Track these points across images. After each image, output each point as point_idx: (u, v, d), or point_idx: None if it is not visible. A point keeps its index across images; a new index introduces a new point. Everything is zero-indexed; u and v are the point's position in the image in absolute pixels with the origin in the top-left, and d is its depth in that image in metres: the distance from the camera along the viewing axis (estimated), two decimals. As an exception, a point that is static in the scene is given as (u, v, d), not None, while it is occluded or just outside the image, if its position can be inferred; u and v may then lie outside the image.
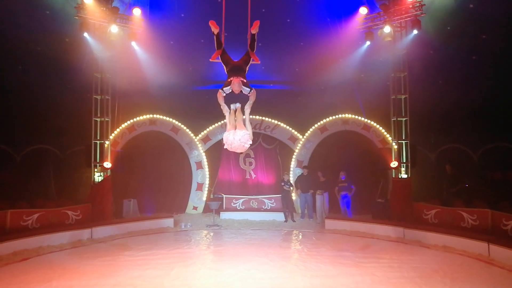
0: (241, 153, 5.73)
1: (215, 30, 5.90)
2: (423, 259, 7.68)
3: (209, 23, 5.89)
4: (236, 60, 5.95)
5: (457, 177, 10.78)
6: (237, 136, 5.37)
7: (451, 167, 10.98)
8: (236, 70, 5.78)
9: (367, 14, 11.18)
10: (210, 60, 6.09)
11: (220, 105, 5.70)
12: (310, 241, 9.76)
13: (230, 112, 5.67)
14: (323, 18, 11.61)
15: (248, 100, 5.70)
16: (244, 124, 5.58)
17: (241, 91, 5.64)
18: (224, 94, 5.66)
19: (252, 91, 5.65)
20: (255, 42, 5.97)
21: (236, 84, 5.57)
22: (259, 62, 6.03)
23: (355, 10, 11.24)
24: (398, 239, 9.53)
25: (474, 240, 8.13)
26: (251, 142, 5.54)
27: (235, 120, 5.58)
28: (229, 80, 5.66)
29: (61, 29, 10.62)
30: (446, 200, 10.41)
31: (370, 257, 7.79)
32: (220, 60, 5.99)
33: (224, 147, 5.52)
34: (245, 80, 5.66)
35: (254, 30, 5.88)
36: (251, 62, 6.02)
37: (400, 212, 10.49)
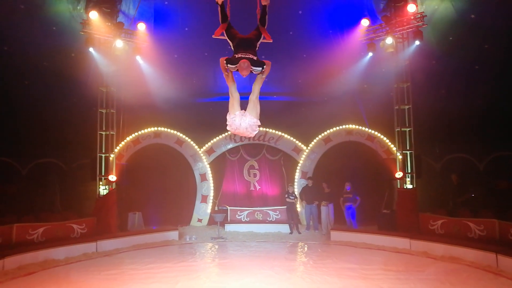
0: (246, 137, 4.65)
1: None
2: (430, 270, 7.59)
3: None
4: (244, 35, 5.10)
5: (463, 187, 10.71)
6: (245, 123, 4.70)
7: (457, 177, 10.92)
8: (244, 44, 4.88)
9: (369, 26, 11.28)
10: (213, 36, 5.32)
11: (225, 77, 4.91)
12: (316, 253, 9.69)
13: (234, 94, 4.83)
14: (325, 30, 11.73)
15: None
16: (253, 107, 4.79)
17: (250, 71, 4.78)
18: (227, 68, 4.84)
19: (265, 66, 4.79)
20: (267, 16, 5.15)
21: (243, 67, 4.65)
22: (271, 41, 5.20)
23: (357, 22, 11.34)
24: (404, 250, 9.44)
25: (481, 250, 8.03)
26: (257, 131, 4.89)
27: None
28: (235, 56, 4.77)
29: (67, 44, 10.82)
30: (453, 210, 10.33)
31: (376, 269, 7.71)
32: (225, 37, 5.17)
33: (227, 128, 4.84)
34: (255, 58, 4.78)
35: (266, 1, 5.09)
36: (261, 40, 5.18)
37: (406, 223, 10.42)
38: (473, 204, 10.32)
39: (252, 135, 4.95)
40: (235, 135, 14.10)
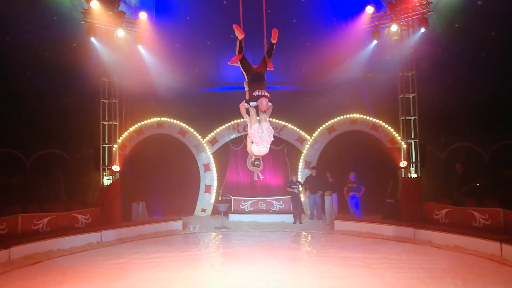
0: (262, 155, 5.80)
1: (239, 35, 5.78)
2: (434, 259, 7.57)
3: (234, 27, 5.77)
4: (256, 66, 5.90)
5: (468, 176, 10.64)
6: (264, 126, 5.49)
7: (462, 166, 10.84)
8: (259, 80, 5.74)
9: (373, 13, 11.11)
10: (229, 63, 6.04)
11: (244, 116, 5.72)
12: (319, 242, 9.70)
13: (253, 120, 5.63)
14: (329, 18, 11.59)
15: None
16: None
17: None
18: (248, 107, 5.63)
19: (270, 104, 5.65)
20: (273, 51, 5.93)
21: (263, 103, 5.50)
22: (272, 69, 5.99)
23: (361, 9, 11.19)
24: (408, 239, 9.43)
25: (486, 240, 8.01)
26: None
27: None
28: (254, 94, 5.57)
29: (68, 34, 10.77)
30: (457, 200, 10.28)
31: (380, 258, 7.70)
32: (238, 65, 5.91)
33: (251, 147, 5.64)
34: (268, 95, 5.61)
35: (274, 39, 5.81)
36: (267, 68, 6.00)
37: (410, 212, 10.39)
38: (477, 193, 10.25)
39: (269, 142, 5.65)
40: (238, 125, 14.09)
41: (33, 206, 10.16)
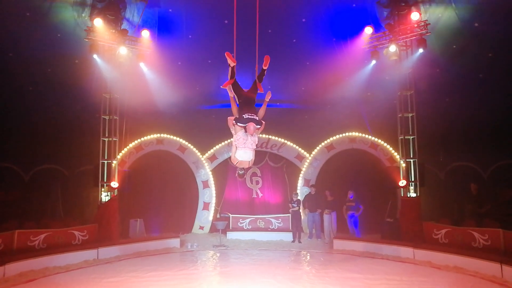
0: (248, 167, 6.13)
1: (231, 62, 6.07)
2: (434, 280, 7.51)
3: (226, 55, 6.06)
4: (246, 90, 6.18)
5: (483, 196, 10.47)
6: (250, 137, 5.87)
7: (476, 186, 10.68)
8: (249, 103, 6.03)
9: (372, 34, 11.29)
10: (222, 87, 6.33)
11: (230, 128, 6.04)
12: (318, 262, 9.61)
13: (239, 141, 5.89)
14: (328, 38, 11.74)
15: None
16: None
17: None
18: (235, 124, 5.91)
19: (262, 125, 5.96)
20: (264, 76, 6.25)
21: (251, 128, 5.81)
22: (262, 92, 6.28)
23: (360, 29, 11.35)
24: (408, 259, 9.35)
25: (486, 260, 7.95)
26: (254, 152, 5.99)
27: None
28: (243, 116, 5.86)
29: (71, 51, 10.88)
30: (476, 221, 9.97)
31: (380, 279, 7.62)
32: (230, 90, 6.20)
33: (234, 155, 5.91)
34: (257, 119, 5.91)
35: (265, 66, 6.15)
36: (258, 91, 6.29)
37: (409, 231, 10.31)
38: (495, 214, 9.93)
39: (253, 149, 5.98)
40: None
41: (30, 222, 10.10)
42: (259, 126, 5.93)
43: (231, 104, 6.20)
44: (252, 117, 5.85)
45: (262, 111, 6.17)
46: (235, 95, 6.18)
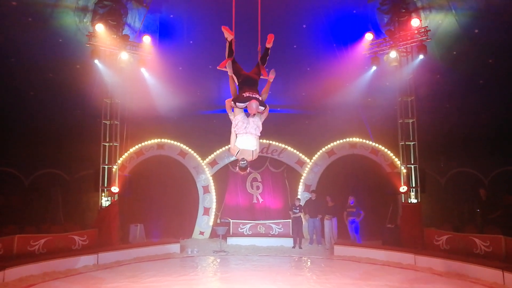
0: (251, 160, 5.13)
1: (229, 36, 5.39)
2: (436, 287, 7.45)
3: (222, 29, 5.38)
4: (248, 72, 5.44)
5: (491, 202, 10.43)
6: (252, 119, 5.13)
7: (486, 191, 10.64)
8: (250, 83, 5.23)
9: (372, 40, 11.33)
10: (218, 68, 5.67)
11: (228, 113, 5.29)
12: (319, 268, 9.57)
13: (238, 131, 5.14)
14: (329, 44, 11.80)
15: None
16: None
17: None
18: (234, 107, 5.15)
19: (266, 108, 5.22)
20: (268, 57, 5.55)
21: (253, 106, 5.01)
22: (267, 78, 5.54)
23: (361, 36, 11.39)
24: (409, 266, 9.31)
25: (487, 267, 7.89)
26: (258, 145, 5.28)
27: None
28: (244, 95, 5.09)
29: (72, 56, 10.93)
30: (481, 227, 9.92)
31: (381, 286, 7.58)
32: (227, 69, 5.41)
33: (234, 144, 5.20)
34: (260, 98, 5.15)
35: (269, 44, 5.46)
36: (261, 76, 5.57)
37: (410, 238, 10.28)
38: (505, 221, 9.82)
39: (257, 136, 5.27)
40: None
41: (30, 227, 10.08)
42: (262, 108, 5.14)
43: (229, 83, 5.38)
44: (254, 95, 5.09)
45: (265, 92, 5.42)
46: (234, 76, 5.39)
